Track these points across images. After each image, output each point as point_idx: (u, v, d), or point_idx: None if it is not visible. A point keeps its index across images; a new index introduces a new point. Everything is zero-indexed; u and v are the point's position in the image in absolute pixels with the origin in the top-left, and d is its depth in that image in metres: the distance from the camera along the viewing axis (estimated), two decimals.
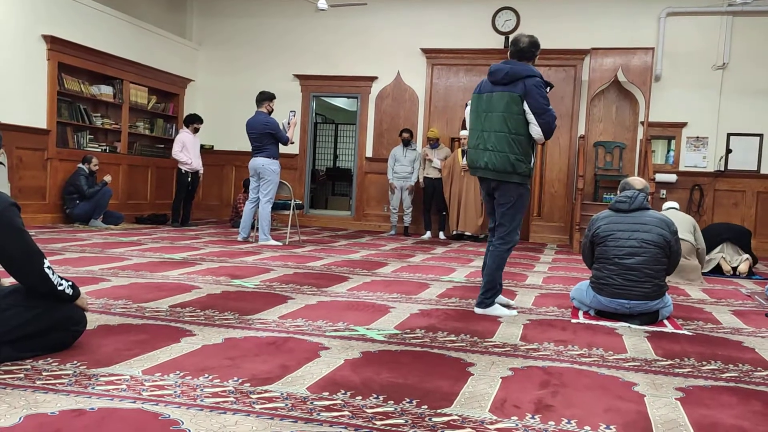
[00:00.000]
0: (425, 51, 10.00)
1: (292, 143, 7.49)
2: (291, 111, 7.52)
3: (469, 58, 9.80)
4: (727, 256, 6.23)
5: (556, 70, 9.49)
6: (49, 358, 2.38)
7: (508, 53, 3.80)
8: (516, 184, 3.69)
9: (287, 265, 5.47)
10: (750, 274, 6.18)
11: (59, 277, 2.41)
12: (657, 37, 9.18)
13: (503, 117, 3.64)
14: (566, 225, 9.59)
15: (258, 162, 7.08)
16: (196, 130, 9.00)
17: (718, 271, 6.22)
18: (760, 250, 8.32)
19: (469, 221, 8.98)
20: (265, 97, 7.19)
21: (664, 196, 9.09)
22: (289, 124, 7.27)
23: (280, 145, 7.18)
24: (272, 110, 7.22)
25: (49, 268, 2.34)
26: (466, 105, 4.03)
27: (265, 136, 7.03)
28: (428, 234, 9.33)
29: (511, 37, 3.79)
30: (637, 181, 3.88)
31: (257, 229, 7.25)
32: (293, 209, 7.53)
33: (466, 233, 9.05)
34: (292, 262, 5.64)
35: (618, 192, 3.94)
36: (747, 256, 6.23)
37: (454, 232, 9.13)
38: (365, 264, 5.82)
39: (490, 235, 3.95)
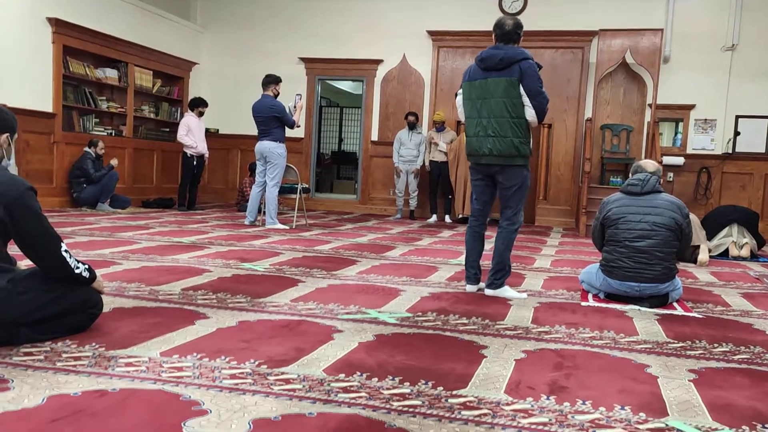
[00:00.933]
0: (431, 33, 9.94)
1: (299, 127, 7.47)
2: (297, 94, 7.47)
3: (475, 40, 9.72)
4: (735, 238, 6.22)
5: (563, 52, 9.44)
6: (67, 340, 2.40)
7: (493, 37, 3.78)
8: (520, 166, 3.72)
9: (295, 248, 5.49)
10: (753, 257, 6.17)
11: (76, 260, 2.43)
12: (666, 18, 9.10)
13: (503, 102, 3.64)
14: (572, 208, 9.58)
15: (264, 146, 7.06)
16: (201, 114, 8.99)
17: (724, 254, 6.22)
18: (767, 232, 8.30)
19: None
20: (271, 81, 7.16)
21: (671, 179, 9.07)
22: (295, 107, 7.24)
23: (287, 128, 7.18)
24: (278, 93, 7.20)
25: (66, 251, 2.36)
26: (456, 94, 4.01)
27: (271, 119, 7.01)
28: (434, 218, 9.34)
29: (494, 21, 3.75)
30: (649, 164, 3.87)
31: (264, 212, 7.26)
32: (300, 193, 7.53)
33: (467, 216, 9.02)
34: (301, 246, 5.65)
35: (630, 175, 3.93)
36: (747, 240, 6.20)
37: (460, 216, 9.12)
38: (373, 247, 5.83)
39: (473, 221, 3.97)
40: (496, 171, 3.76)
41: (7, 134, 2.37)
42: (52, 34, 7.81)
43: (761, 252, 6.46)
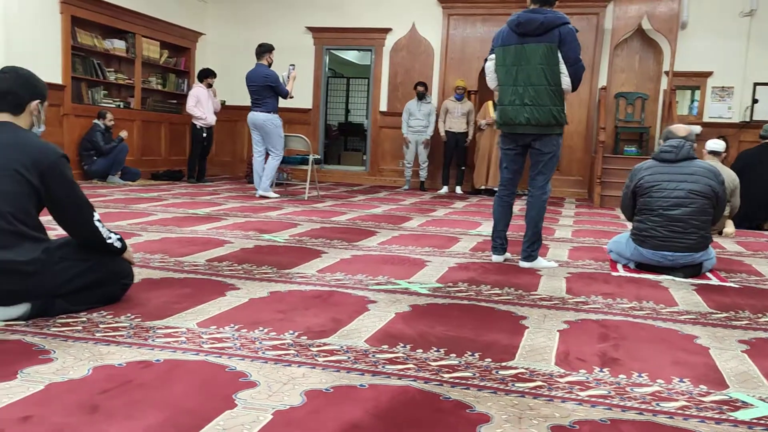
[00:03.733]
0: (441, 1, 9.74)
1: (291, 98, 7.35)
2: (290, 65, 7.33)
3: (486, 7, 9.54)
4: None
5: (578, 18, 9.21)
6: (102, 311, 2.35)
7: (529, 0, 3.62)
8: (557, 134, 3.62)
9: (312, 219, 5.42)
10: None
11: (108, 229, 2.36)
12: None
13: (542, 69, 3.50)
14: (585, 179, 9.48)
15: (259, 117, 7.02)
16: (209, 85, 8.86)
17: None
18: None
19: (493, 175, 8.79)
20: (264, 50, 7.08)
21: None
22: (288, 77, 7.16)
23: (280, 99, 7.11)
24: (272, 62, 7.11)
25: (98, 220, 2.29)
26: (486, 60, 3.84)
27: (265, 88, 6.95)
28: (445, 189, 9.23)
29: None
30: (681, 128, 3.76)
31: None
32: (311, 164, 7.44)
33: (491, 188, 8.84)
34: (317, 217, 5.58)
35: (661, 141, 3.83)
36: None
37: (482, 187, 8.99)
38: (389, 218, 5.76)
39: (503, 190, 3.85)
40: (533, 139, 3.64)
41: (38, 101, 2.29)
42: (59, 4, 7.65)
43: None
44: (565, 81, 3.52)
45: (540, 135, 3.60)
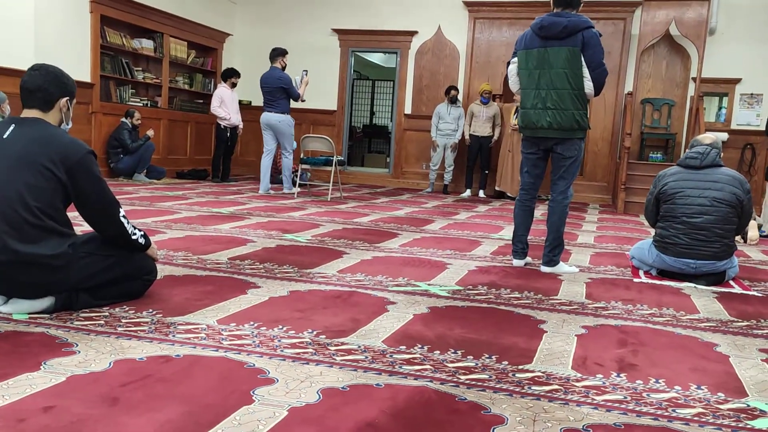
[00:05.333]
0: (467, 4, 9.73)
1: (303, 101, 7.67)
2: (303, 70, 7.70)
3: (513, 11, 9.51)
4: None
5: (604, 24, 9.17)
6: (125, 306, 2.39)
7: (553, 1, 3.59)
8: (579, 139, 3.60)
9: (334, 220, 5.45)
10: None
11: (133, 226, 2.41)
12: None
13: (565, 73, 3.49)
14: (609, 184, 9.40)
15: (272, 118, 7.37)
16: (233, 85, 8.93)
17: None
18: None
19: (515, 183, 8.77)
20: (278, 53, 7.44)
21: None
22: (301, 81, 7.50)
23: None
24: (285, 65, 7.48)
25: (124, 216, 2.34)
26: (508, 63, 3.85)
27: (278, 90, 7.28)
28: (468, 192, 9.21)
29: None
30: (707, 136, 3.73)
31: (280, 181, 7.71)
32: (335, 165, 7.48)
33: (508, 194, 8.85)
34: (339, 218, 5.61)
35: (688, 149, 3.79)
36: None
37: (497, 188, 8.97)
38: (412, 221, 5.77)
39: (524, 195, 3.83)
40: (555, 143, 3.63)
41: (67, 98, 2.34)
42: (90, 4, 7.79)
43: None
44: (588, 85, 3.50)
45: (562, 139, 3.59)
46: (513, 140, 8.60)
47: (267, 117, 7.39)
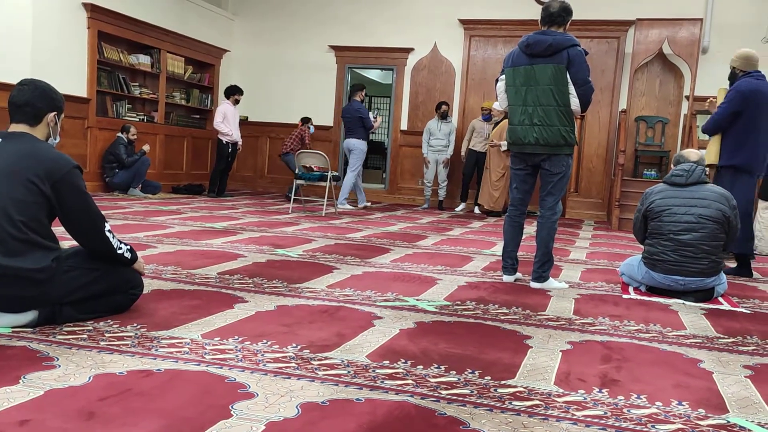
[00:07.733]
0: (463, 22, 9.82)
1: (374, 132, 8.93)
2: (374, 113, 9.03)
3: (507, 29, 9.59)
4: None
5: (598, 42, 9.26)
6: (109, 320, 2.39)
7: (539, 19, 3.66)
8: (567, 155, 3.63)
9: (327, 236, 5.46)
10: None
11: (119, 240, 2.41)
12: (705, 8, 8.87)
13: (551, 90, 3.54)
14: (604, 201, 9.42)
15: (352, 142, 8.48)
16: (236, 102, 8.98)
17: None
18: None
19: (488, 195, 8.78)
20: (357, 89, 8.61)
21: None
22: (375, 118, 8.64)
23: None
24: (364, 99, 8.60)
25: (109, 231, 2.34)
26: (497, 81, 3.89)
27: (357, 120, 8.37)
28: (462, 206, 9.24)
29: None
30: (692, 153, 3.76)
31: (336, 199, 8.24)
32: (330, 181, 7.50)
33: (485, 207, 8.83)
34: (332, 234, 5.62)
35: (672, 165, 3.81)
36: None
37: (477, 206, 8.99)
38: (404, 236, 5.78)
39: (513, 211, 3.87)
40: (542, 159, 3.66)
41: (55, 113, 2.36)
42: (87, 20, 7.85)
43: None
44: (574, 102, 3.54)
45: (549, 155, 3.62)
46: (490, 155, 8.64)
47: (348, 142, 8.53)
